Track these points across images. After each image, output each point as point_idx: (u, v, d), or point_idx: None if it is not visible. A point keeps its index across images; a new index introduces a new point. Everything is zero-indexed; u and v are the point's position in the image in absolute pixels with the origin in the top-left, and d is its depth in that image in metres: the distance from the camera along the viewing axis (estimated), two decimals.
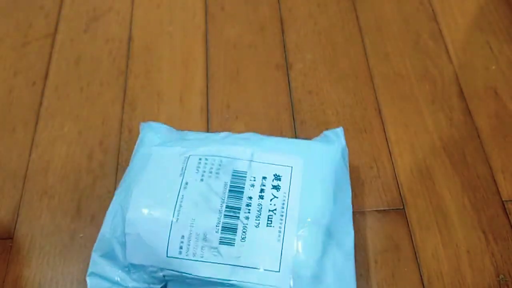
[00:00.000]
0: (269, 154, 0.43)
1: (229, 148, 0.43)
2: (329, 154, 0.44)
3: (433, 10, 0.62)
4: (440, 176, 0.49)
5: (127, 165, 0.48)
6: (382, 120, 0.53)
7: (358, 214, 0.47)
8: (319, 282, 0.38)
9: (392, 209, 0.47)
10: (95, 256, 0.42)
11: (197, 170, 0.41)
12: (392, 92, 0.55)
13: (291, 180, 0.41)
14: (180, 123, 0.54)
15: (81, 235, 0.47)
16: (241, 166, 0.42)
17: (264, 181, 0.41)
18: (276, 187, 0.41)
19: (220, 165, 0.42)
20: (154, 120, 0.54)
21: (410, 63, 0.57)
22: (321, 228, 0.39)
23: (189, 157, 0.42)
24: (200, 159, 0.42)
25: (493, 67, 0.57)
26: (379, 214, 0.47)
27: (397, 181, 0.49)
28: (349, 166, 0.50)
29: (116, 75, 0.58)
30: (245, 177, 0.41)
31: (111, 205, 0.43)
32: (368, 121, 0.53)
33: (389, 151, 0.51)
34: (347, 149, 0.45)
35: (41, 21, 0.63)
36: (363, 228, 0.46)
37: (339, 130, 0.46)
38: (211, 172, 0.41)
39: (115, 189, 0.50)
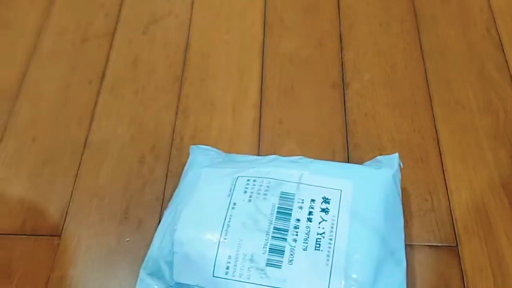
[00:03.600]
0: (317, 177, 0.42)
1: (277, 171, 0.43)
2: (380, 179, 0.42)
3: (499, 39, 0.60)
4: (497, 216, 0.47)
5: (177, 172, 0.48)
6: (440, 151, 0.51)
7: (408, 247, 0.46)
8: None
9: (445, 246, 0.46)
10: (143, 274, 0.42)
11: (245, 191, 0.41)
12: (452, 122, 0.53)
13: (340, 203, 0.41)
14: (231, 135, 0.54)
15: (128, 239, 0.47)
16: (289, 188, 0.41)
17: (312, 203, 0.41)
18: (325, 210, 0.40)
19: (268, 186, 0.42)
20: (206, 130, 0.54)
21: (472, 93, 0.55)
22: (372, 254, 0.38)
23: (237, 178, 0.42)
24: (248, 180, 0.42)
25: None
26: (431, 249, 0.46)
27: (451, 217, 0.47)
28: (403, 196, 0.48)
29: (172, 81, 0.58)
30: (293, 199, 0.41)
31: (160, 225, 0.43)
32: (425, 150, 0.52)
33: (445, 184, 0.49)
34: (399, 174, 0.44)
35: (101, 20, 0.64)
36: (413, 262, 0.45)
37: (394, 156, 0.45)
38: (259, 193, 0.41)
39: (163, 196, 0.50)
